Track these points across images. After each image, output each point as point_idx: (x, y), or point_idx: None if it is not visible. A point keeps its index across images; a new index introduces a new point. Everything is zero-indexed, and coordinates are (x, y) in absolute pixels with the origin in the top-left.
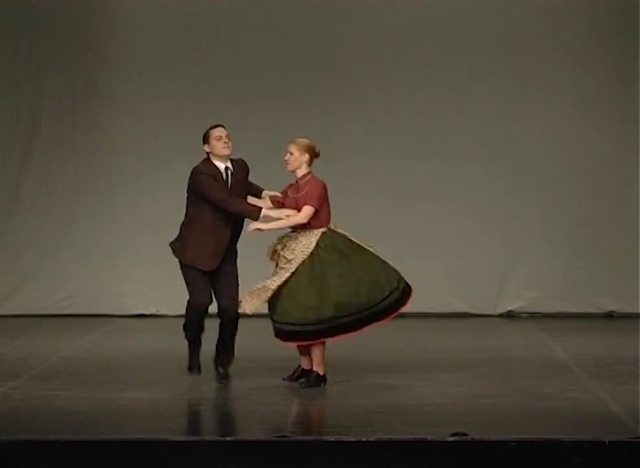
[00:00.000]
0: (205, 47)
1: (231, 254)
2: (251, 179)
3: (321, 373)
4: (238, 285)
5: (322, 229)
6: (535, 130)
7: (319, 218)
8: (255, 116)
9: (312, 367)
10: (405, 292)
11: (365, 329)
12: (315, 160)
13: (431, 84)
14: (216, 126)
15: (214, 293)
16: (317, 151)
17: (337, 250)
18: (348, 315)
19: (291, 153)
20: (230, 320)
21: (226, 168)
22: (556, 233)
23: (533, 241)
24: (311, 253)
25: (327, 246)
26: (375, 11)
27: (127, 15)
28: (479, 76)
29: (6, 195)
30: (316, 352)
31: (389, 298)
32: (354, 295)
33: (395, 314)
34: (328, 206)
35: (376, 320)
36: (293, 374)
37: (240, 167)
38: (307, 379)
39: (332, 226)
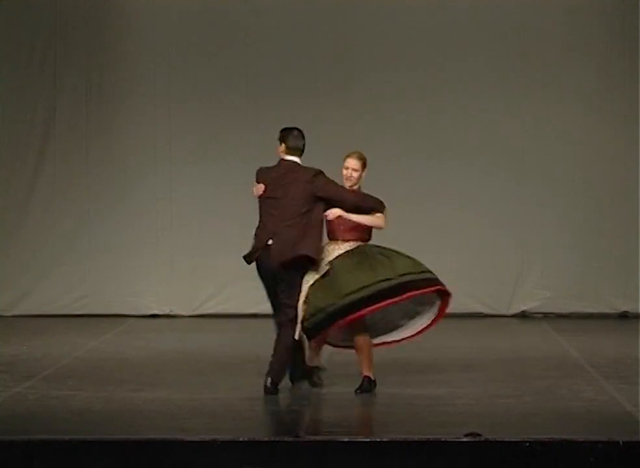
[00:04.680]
0: (220, 47)
1: None
2: None
3: (372, 377)
4: None
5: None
6: (550, 132)
7: None
8: (270, 116)
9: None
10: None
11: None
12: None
13: (445, 85)
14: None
15: None
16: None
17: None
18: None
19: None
20: None
21: None
22: (570, 234)
23: (547, 241)
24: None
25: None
26: (394, 11)
27: (141, 16)
28: (493, 77)
29: (21, 195)
30: (362, 357)
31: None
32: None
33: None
34: None
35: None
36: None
37: None
38: (361, 385)
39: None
